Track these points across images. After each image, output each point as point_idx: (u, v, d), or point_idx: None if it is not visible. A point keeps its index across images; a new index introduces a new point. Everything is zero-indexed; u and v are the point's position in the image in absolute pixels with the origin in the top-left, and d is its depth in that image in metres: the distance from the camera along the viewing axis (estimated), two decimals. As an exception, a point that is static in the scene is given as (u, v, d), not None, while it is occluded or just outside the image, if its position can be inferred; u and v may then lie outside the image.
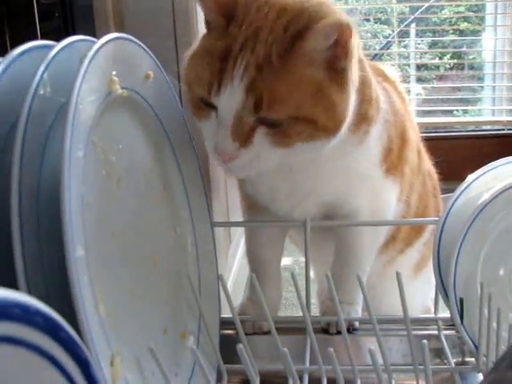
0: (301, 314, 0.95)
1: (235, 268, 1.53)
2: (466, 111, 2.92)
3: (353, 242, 0.95)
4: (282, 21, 0.73)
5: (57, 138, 0.62)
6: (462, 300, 0.82)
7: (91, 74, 0.61)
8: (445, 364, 0.89)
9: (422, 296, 1.20)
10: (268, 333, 0.94)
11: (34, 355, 0.38)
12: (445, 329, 0.93)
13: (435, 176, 1.16)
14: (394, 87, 0.98)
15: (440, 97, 2.92)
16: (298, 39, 0.71)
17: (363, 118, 0.83)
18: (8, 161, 0.56)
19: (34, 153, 0.59)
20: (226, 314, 0.93)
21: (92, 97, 0.62)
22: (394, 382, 0.79)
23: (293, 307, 1.51)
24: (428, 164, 1.13)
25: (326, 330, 0.95)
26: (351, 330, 0.94)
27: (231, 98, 0.71)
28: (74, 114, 0.56)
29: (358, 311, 0.96)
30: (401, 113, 0.94)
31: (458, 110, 2.90)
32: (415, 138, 1.01)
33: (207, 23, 0.78)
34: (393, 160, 0.91)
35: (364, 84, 0.82)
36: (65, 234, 0.52)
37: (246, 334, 0.83)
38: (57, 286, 0.55)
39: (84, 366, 0.43)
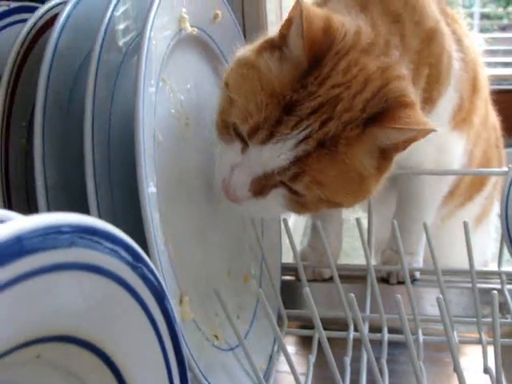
0: (358, 262, 0.95)
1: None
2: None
3: (417, 193, 0.93)
4: (362, 96, 0.63)
5: (127, 74, 0.62)
6: (530, 252, 0.80)
7: (163, 9, 0.60)
8: (506, 319, 0.88)
9: (480, 249, 1.17)
10: (326, 280, 0.94)
11: (114, 285, 0.38)
12: (508, 283, 0.91)
13: (499, 128, 1.12)
14: (463, 31, 0.94)
15: (503, 48, 2.81)
16: (371, 125, 0.63)
17: (432, 95, 0.79)
18: (80, 95, 0.56)
19: (105, 90, 0.59)
20: (286, 260, 0.93)
21: (164, 33, 0.61)
22: (455, 333, 0.79)
23: (346, 257, 1.49)
24: (493, 115, 1.09)
25: (385, 280, 0.94)
26: (412, 280, 0.92)
27: (273, 158, 0.62)
28: (147, 49, 0.56)
29: (419, 262, 0.95)
30: (473, 62, 0.90)
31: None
32: (485, 84, 0.97)
33: (282, 36, 0.66)
34: (462, 114, 0.88)
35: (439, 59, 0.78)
36: (138, 169, 0.51)
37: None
38: (127, 225, 0.55)
39: (160, 298, 0.43)
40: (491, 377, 0.70)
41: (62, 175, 0.57)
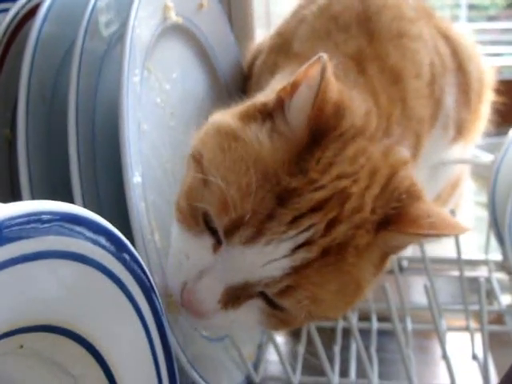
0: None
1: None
2: (515, 54, 2.82)
3: None
4: (371, 192, 0.51)
5: (111, 64, 0.62)
6: (517, 241, 0.80)
7: (147, -2, 0.60)
8: (493, 306, 0.88)
9: None
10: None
11: (98, 274, 0.37)
12: (495, 271, 0.92)
13: None
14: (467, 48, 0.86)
15: (490, 38, 2.82)
16: (384, 229, 0.51)
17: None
18: (63, 85, 0.55)
19: (89, 79, 0.58)
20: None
21: (148, 22, 0.61)
22: (443, 321, 0.79)
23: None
24: None
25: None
26: (399, 269, 0.93)
27: (262, 266, 0.48)
28: (131, 38, 0.55)
29: (408, 251, 0.95)
30: (479, 83, 0.86)
31: (507, 53, 2.79)
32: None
33: (278, 101, 0.52)
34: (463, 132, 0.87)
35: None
36: (123, 158, 0.51)
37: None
38: (113, 215, 0.55)
39: (146, 288, 0.43)
40: (479, 363, 0.70)
41: (46, 165, 0.57)
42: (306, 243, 0.48)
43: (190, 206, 0.51)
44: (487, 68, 0.88)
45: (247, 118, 0.53)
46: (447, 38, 0.81)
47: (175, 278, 0.52)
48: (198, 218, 0.51)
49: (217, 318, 0.51)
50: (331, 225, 0.49)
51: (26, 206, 0.30)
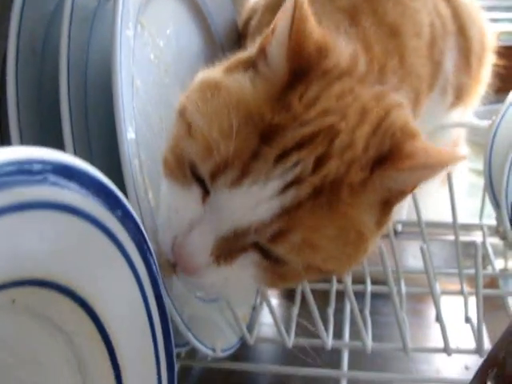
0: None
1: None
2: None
3: None
4: (363, 130, 0.49)
5: (104, 18, 0.60)
6: (513, 205, 0.80)
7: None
8: (486, 270, 0.88)
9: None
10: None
11: (91, 226, 0.36)
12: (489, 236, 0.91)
13: None
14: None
15: (486, 4, 2.78)
16: (380, 168, 0.48)
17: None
18: (54, 38, 0.54)
19: (81, 32, 0.57)
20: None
21: (141, -26, 0.58)
22: (437, 285, 0.79)
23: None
24: None
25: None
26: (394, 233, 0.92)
27: (250, 209, 0.46)
28: (124, -10, 0.53)
29: (402, 215, 0.94)
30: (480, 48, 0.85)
31: (503, 19, 2.77)
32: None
33: (260, 50, 0.52)
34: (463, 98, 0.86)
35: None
36: (116, 113, 0.49)
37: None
38: (105, 172, 0.54)
39: (140, 244, 0.42)
40: (472, 326, 0.70)
41: (37, 120, 0.55)
42: (295, 181, 0.46)
43: (177, 159, 0.50)
44: (489, 31, 0.87)
45: (231, 69, 0.52)
46: (448, 0, 0.79)
47: (165, 233, 0.50)
48: (185, 170, 0.50)
49: (210, 275, 0.49)
50: (320, 161, 0.47)
51: (17, 153, 0.29)
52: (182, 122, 0.51)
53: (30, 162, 0.29)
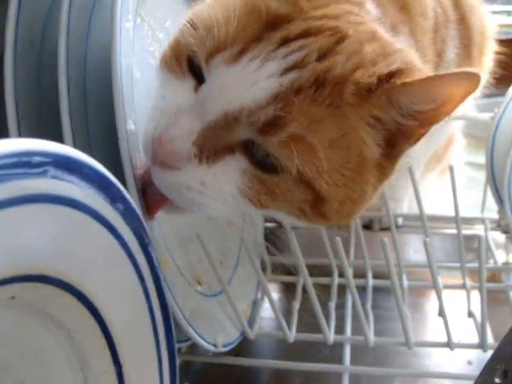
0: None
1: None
2: (509, 12, 2.78)
3: None
4: (370, 47, 0.47)
5: (103, 10, 0.59)
6: (516, 197, 0.79)
7: None
8: (488, 264, 0.87)
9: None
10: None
11: (91, 220, 0.36)
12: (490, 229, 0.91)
13: None
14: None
15: None
16: (393, 79, 0.45)
17: None
18: (53, 30, 0.53)
19: (80, 24, 0.56)
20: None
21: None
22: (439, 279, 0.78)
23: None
24: None
25: (368, 227, 0.93)
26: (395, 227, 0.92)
27: (245, 86, 0.43)
28: (123, -19, 0.53)
29: (403, 208, 0.94)
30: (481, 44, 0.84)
31: (501, 12, 2.76)
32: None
33: None
34: None
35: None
36: (116, 105, 0.49)
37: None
38: (104, 163, 0.53)
39: (141, 238, 0.41)
40: (475, 320, 0.70)
41: (36, 112, 0.54)
42: (298, 65, 0.43)
43: (175, 52, 0.48)
44: (489, 20, 0.86)
45: None
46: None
47: (149, 123, 0.47)
48: (182, 62, 0.48)
49: (188, 172, 0.45)
50: (326, 53, 0.45)
51: (16, 144, 0.28)
52: (186, 22, 0.48)
53: (30, 154, 0.28)
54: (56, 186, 0.31)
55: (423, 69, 0.48)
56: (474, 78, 0.43)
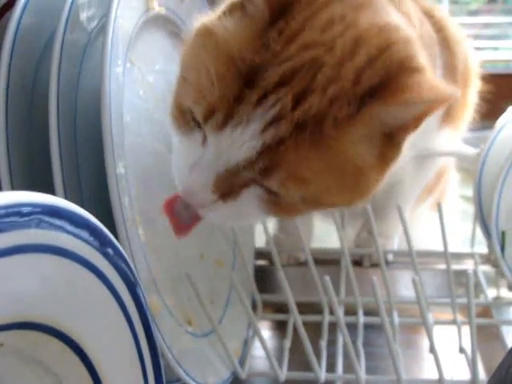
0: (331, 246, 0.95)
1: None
2: (496, 48, 2.84)
3: (398, 179, 0.87)
4: (354, 62, 0.48)
5: (93, 56, 0.60)
6: (503, 233, 0.80)
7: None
8: (479, 299, 0.88)
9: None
10: (300, 264, 0.93)
11: (81, 268, 0.36)
12: (480, 264, 0.91)
13: None
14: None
15: (471, 32, 2.83)
16: (370, 102, 0.48)
17: None
18: (44, 74, 0.54)
19: (71, 70, 0.57)
20: (259, 244, 0.92)
21: (130, 12, 0.59)
22: (430, 315, 0.79)
23: (320, 242, 1.49)
24: None
25: (358, 263, 0.93)
26: (385, 263, 0.92)
27: (234, 148, 0.48)
28: (113, 28, 0.54)
29: (393, 245, 0.94)
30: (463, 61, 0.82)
31: (488, 47, 2.81)
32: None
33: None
34: (453, 115, 0.83)
35: None
36: (106, 149, 0.50)
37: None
38: (95, 208, 0.54)
39: (130, 283, 0.42)
40: (466, 356, 0.70)
41: (27, 156, 0.55)
42: (275, 120, 0.47)
43: (180, 110, 0.53)
44: (472, 54, 0.86)
45: (224, 13, 0.52)
46: (432, 17, 0.76)
47: (178, 180, 0.54)
48: (187, 117, 0.52)
49: (219, 209, 0.52)
50: (301, 97, 0.47)
51: (5, 198, 0.29)
52: (180, 76, 0.54)
53: (19, 205, 0.29)
54: (44, 235, 0.31)
55: (418, 66, 0.50)
56: (450, 97, 0.47)
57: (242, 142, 0.48)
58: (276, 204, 0.52)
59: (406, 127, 0.51)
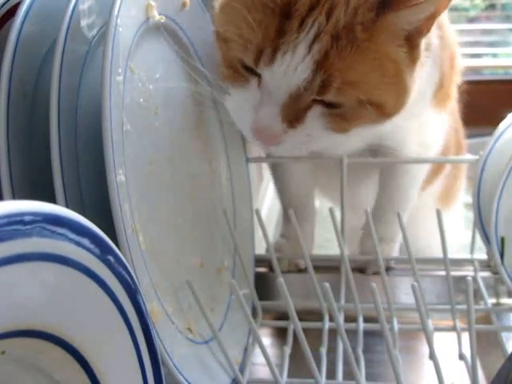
0: (331, 252, 0.95)
1: (266, 206, 1.52)
2: (495, 54, 2.84)
3: (399, 181, 0.90)
4: None
5: (94, 64, 0.61)
6: (503, 239, 0.80)
7: (129, -3, 0.59)
8: (479, 305, 0.88)
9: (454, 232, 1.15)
10: (300, 271, 0.93)
11: (82, 276, 0.37)
12: (480, 270, 0.91)
13: (457, 111, 1.10)
14: None
15: (470, 39, 2.83)
16: (386, 7, 0.58)
17: None
18: (45, 82, 0.55)
19: (72, 79, 0.57)
20: (259, 251, 0.92)
21: (131, 21, 0.60)
22: (430, 321, 0.79)
23: (320, 249, 1.49)
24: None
25: (361, 270, 0.93)
26: (387, 268, 0.92)
27: (291, 73, 0.57)
28: (113, 37, 0.54)
29: (396, 250, 0.94)
30: (451, 39, 0.86)
31: (487, 54, 2.82)
32: (460, 63, 0.94)
33: None
34: (443, 92, 0.86)
35: None
36: (106, 157, 0.50)
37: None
38: (96, 216, 0.54)
39: (131, 290, 0.42)
40: (466, 363, 0.70)
41: (28, 164, 0.55)
42: (316, 37, 0.56)
43: (229, 65, 0.63)
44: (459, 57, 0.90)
45: None
46: None
47: (242, 128, 0.64)
48: (238, 69, 0.61)
49: (292, 137, 0.61)
50: (329, 12, 0.57)
51: (6, 207, 0.29)
52: (220, 40, 0.63)
53: (21, 214, 0.29)
54: (46, 243, 0.31)
55: None
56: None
57: (295, 65, 0.56)
58: (338, 116, 0.61)
59: (420, 31, 0.61)
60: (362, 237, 0.93)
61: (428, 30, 0.62)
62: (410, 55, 0.62)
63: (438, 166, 1.01)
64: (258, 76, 0.60)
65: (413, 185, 0.92)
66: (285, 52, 0.56)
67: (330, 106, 0.60)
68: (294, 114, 0.60)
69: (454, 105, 1.05)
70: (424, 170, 0.93)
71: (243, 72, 0.61)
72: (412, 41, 0.62)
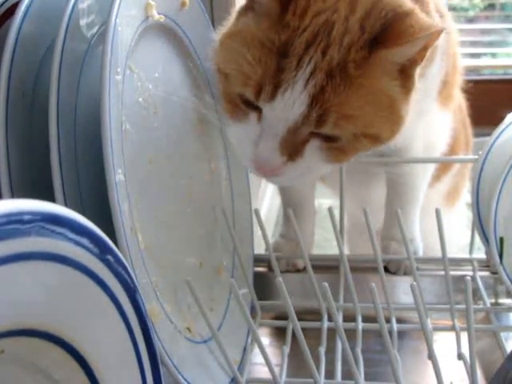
0: (331, 252, 0.95)
1: (265, 205, 1.52)
2: (494, 54, 2.84)
3: (409, 179, 0.91)
4: (356, 16, 0.61)
5: (93, 63, 0.61)
6: (502, 239, 0.80)
7: (129, -4, 0.59)
8: (478, 305, 0.88)
9: (453, 231, 1.15)
10: (299, 271, 0.93)
11: (81, 275, 0.36)
12: (479, 270, 0.91)
13: (465, 108, 1.11)
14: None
15: (470, 39, 2.83)
16: (376, 48, 0.60)
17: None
18: (44, 81, 0.54)
19: (71, 78, 0.57)
20: (258, 251, 0.92)
21: (130, 20, 0.60)
22: (429, 321, 0.79)
23: (319, 249, 1.49)
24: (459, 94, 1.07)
25: (387, 269, 0.92)
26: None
27: (290, 108, 0.59)
28: (113, 36, 0.54)
29: (420, 248, 0.94)
30: (453, 37, 0.87)
31: (486, 54, 2.82)
32: (460, 63, 0.95)
33: (250, 1, 0.65)
34: (447, 90, 0.86)
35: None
36: (105, 156, 0.50)
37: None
38: (96, 215, 0.54)
39: (130, 290, 0.42)
40: (465, 363, 0.70)
41: (27, 163, 0.56)
42: (312, 73, 0.58)
43: (229, 100, 0.64)
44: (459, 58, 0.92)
45: (236, 19, 0.66)
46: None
47: (244, 161, 0.65)
48: (238, 104, 0.63)
49: (291, 170, 0.63)
50: (324, 50, 0.59)
51: (5, 206, 0.29)
52: (221, 75, 0.65)
53: (20, 213, 0.29)
54: (45, 243, 0.31)
55: (407, 10, 0.61)
56: (439, 33, 0.59)
57: (292, 101, 0.59)
58: (335, 149, 0.63)
59: (414, 61, 0.63)
60: (385, 236, 0.93)
61: (422, 60, 0.63)
62: (404, 87, 0.63)
63: (446, 164, 1.01)
64: (258, 110, 0.62)
65: (419, 183, 0.92)
66: (285, 89, 0.59)
67: (327, 139, 0.62)
68: (292, 147, 0.62)
69: (462, 101, 1.06)
70: (429, 168, 0.93)
71: (243, 107, 0.63)
72: (406, 72, 0.63)
